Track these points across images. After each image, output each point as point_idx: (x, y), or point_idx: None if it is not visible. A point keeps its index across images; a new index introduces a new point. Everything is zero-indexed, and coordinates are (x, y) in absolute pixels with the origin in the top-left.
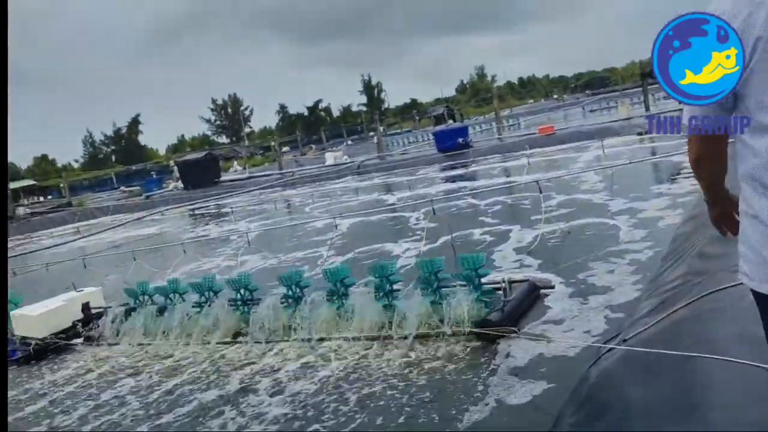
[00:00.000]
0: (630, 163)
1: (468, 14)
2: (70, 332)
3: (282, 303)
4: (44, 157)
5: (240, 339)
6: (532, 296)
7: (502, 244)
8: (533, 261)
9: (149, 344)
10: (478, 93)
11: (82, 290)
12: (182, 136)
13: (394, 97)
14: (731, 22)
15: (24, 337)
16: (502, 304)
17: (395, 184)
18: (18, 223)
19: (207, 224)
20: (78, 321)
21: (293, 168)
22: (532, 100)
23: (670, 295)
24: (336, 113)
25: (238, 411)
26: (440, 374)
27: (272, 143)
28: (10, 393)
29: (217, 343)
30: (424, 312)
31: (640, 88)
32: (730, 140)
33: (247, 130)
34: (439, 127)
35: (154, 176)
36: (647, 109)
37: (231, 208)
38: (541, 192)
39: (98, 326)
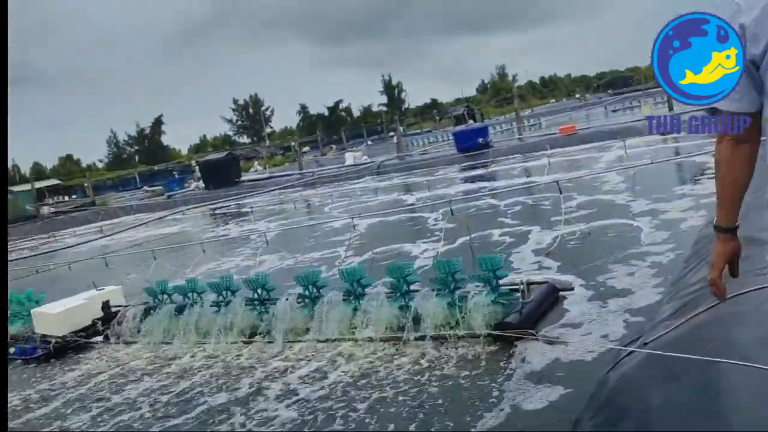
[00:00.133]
0: (652, 163)
1: (489, 14)
2: (89, 330)
3: (299, 303)
4: (69, 156)
5: (256, 339)
6: (552, 298)
7: (521, 246)
8: (552, 263)
9: (168, 343)
10: (499, 93)
11: (103, 289)
12: (204, 136)
13: (414, 97)
14: (745, 15)
15: (44, 335)
16: (521, 306)
17: (414, 184)
18: (42, 222)
19: (227, 224)
20: (98, 319)
21: (313, 168)
22: (553, 100)
23: (692, 298)
24: (356, 113)
25: (253, 411)
26: (455, 377)
27: (292, 143)
28: (29, 390)
29: (233, 343)
30: (440, 313)
31: None
32: (762, 138)
33: (268, 130)
34: (458, 127)
35: (176, 176)
36: (670, 108)
37: (251, 207)
38: (561, 192)
39: (118, 325)
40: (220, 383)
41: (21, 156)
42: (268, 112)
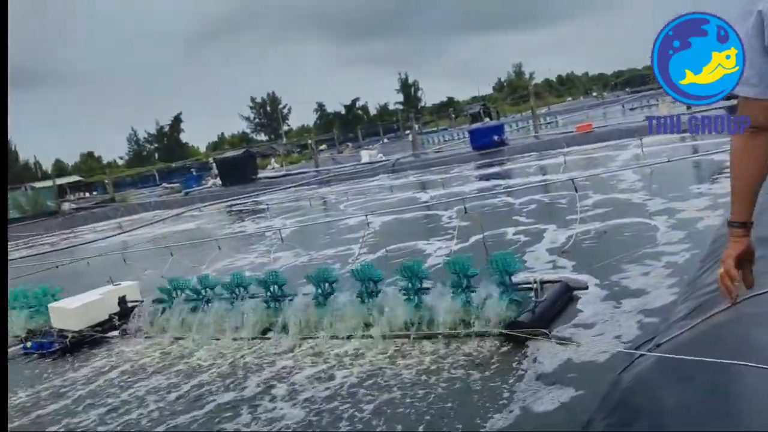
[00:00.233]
0: (669, 161)
1: (507, 12)
2: (106, 325)
3: (312, 300)
4: (90, 154)
5: (269, 335)
6: (565, 297)
7: (535, 244)
8: (567, 262)
9: (180, 338)
10: (516, 91)
11: (119, 284)
12: (222, 134)
13: (430, 96)
14: (764, 1)
15: (61, 330)
16: (533, 305)
17: (429, 181)
18: (63, 218)
19: (243, 221)
20: (114, 314)
21: (330, 166)
22: (570, 98)
23: (708, 298)
24: (373, 111)
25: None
26: (466, 376)
27: (309, 141)
28: (48, 384)
29: (249, 339)
30: (452, 312)
31: None
32: None
33: (285, 128)
34: (474, 125)
35: (194, 173)
36: (688, 107)
37: (267, 204)
38: (576, 191)
39: (133, 320)
40: (228, 382)
41: (43, 153)
42: (285, 110)
